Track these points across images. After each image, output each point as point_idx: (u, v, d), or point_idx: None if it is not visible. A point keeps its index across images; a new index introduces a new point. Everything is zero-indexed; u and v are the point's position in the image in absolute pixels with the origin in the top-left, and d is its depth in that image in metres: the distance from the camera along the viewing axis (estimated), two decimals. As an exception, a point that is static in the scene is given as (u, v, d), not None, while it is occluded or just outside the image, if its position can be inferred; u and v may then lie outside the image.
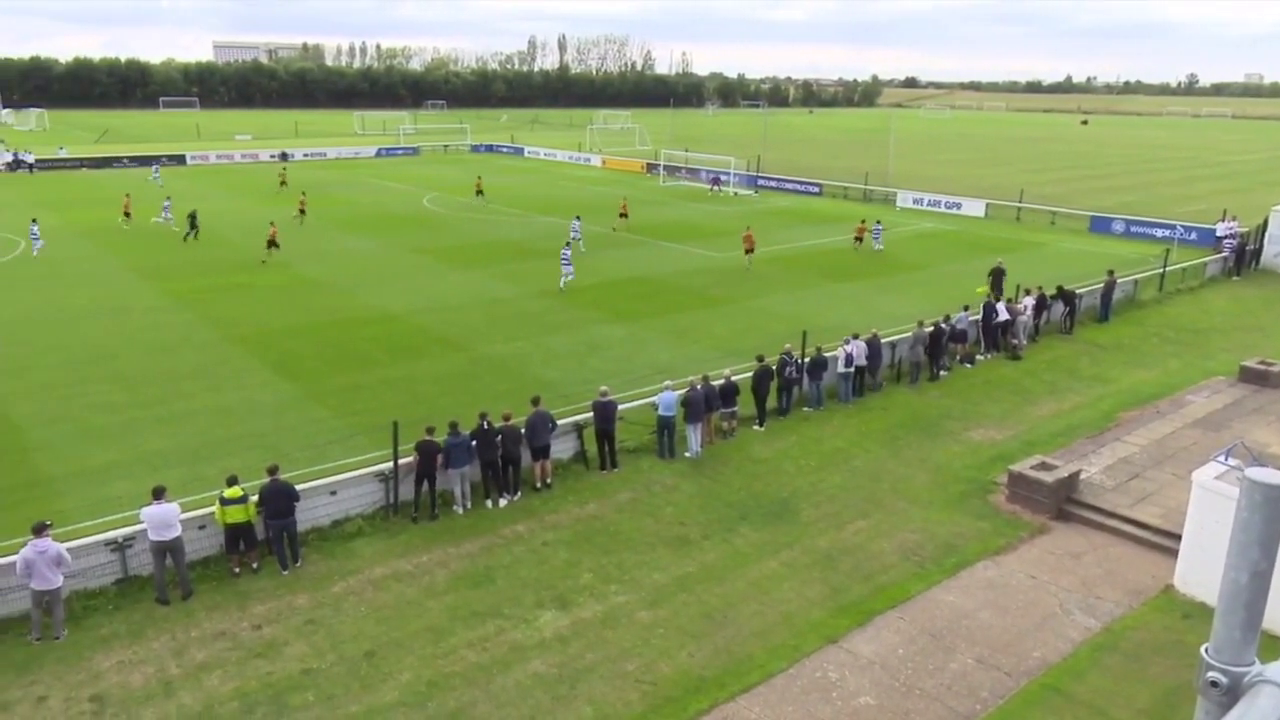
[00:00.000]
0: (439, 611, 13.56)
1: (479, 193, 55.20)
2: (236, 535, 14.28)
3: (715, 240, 43.18)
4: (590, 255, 38.40)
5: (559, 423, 17.94)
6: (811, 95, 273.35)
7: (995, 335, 26.41)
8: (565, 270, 32.70)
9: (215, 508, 14.24)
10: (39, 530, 12.65)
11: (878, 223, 42.09)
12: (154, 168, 65.42)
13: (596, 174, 74.33)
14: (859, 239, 41.21)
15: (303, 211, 45.79)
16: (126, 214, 44.69)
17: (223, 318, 28.48)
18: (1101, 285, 30.92)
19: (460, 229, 45.64)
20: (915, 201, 55.87)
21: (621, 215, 45.44)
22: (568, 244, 35.13)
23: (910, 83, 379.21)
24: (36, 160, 68.72)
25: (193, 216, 41.15)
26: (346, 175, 67.06)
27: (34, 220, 38.22)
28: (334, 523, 15.72)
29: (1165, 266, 34.94)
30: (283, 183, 58.14)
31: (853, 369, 22.36)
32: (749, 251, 37.09)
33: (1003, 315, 26.11)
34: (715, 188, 62.48)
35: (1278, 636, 11.86)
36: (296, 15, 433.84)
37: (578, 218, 41.85)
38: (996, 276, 30.91)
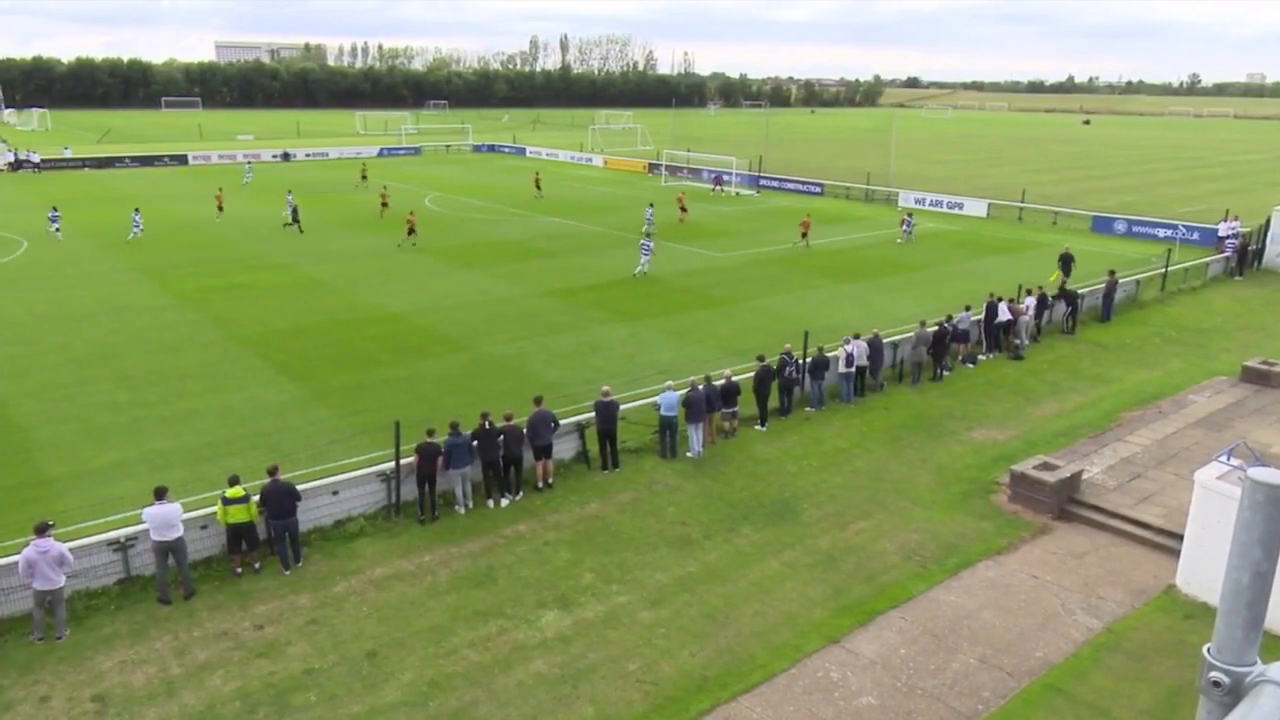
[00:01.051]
0: (441, 611, 13.57)
1: (538, 187, 57.65)
2: (238, 535, 14.30)
3: (717, 240, 43.16)
4: (594, 255, 38.48)
5: (561, 422, 17.95)
6: (813, 95, 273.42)
7: (997, 335, 26.40)
8: (643, 258, 34.61)
9: (217, 507, 14.26)
10: (41, 530, 12.66)
11: (911, 218, 45.55)
12: (247, 168, 67.31)
13: (598, 174, 74.36)
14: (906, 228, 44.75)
15: (385, 205, 48.06)
16: (220, 208, 47.80)
17: (226, 317, 28.51)
18: (1103, 285, 30.91)
19: (462, 229, 45.64)
20: (917, 201, 55.82)
21: (682, 209, 47.91)
22: (648, 234, 37.92)
23: (912, 83, 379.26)
24: (41, 160, 69.19)
25: (295, 210, 44.25)
26: (349, 175, 67.01)
27: (136, 210, 42.68)
28: (336, 522, 15.74)
29: (1167, 266, 34.90)
30: (363, 176, 62.34)
31: (854, 369, 22.34)
32: (804, 235, 41.55)
33: (1005, 315, 26.10)
34: (717, 188, 62.57)
35: (1280, 637, 11.87)
36: (299, 16, 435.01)
37: (651, 205, 45.22)
38: (1065, 261, 34.04)
